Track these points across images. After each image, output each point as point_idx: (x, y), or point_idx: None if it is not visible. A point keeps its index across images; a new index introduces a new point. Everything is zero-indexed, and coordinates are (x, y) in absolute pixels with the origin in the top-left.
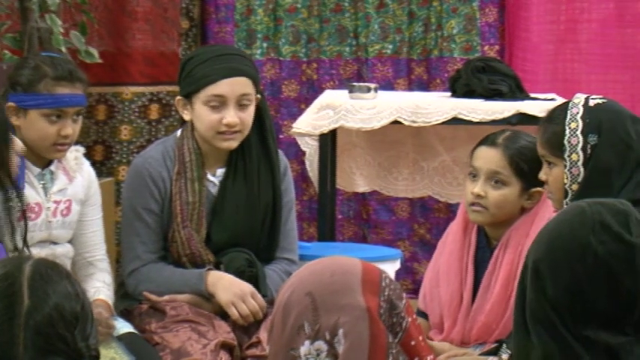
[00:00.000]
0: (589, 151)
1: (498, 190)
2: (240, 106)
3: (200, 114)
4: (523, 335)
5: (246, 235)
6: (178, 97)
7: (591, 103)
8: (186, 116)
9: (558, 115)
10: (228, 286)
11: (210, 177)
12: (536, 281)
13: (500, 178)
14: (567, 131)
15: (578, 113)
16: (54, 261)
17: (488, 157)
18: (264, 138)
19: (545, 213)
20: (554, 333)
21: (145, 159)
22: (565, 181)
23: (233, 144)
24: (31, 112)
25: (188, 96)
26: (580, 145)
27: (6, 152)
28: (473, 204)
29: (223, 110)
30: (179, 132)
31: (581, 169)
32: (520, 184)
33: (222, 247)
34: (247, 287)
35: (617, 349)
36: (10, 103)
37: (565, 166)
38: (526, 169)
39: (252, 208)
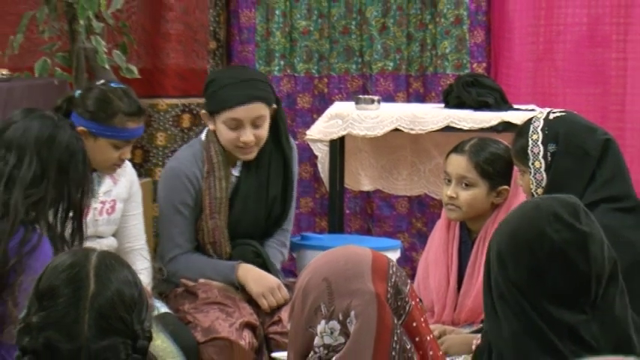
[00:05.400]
0: (549, 158)
1: (468, 191)
2: (255, 125)
3: (220, 130)
4: (493, 316)
5: (250, 224)
6: (203, 111)
7: (551, 116)
8: (211, 126)
9: (525, 129)
10: (258, 279)
11: (232, 171)
12: (500, 266)
13: (468, 181)
14: (530, 142)
15: (539, 126)
16: (116, 253)
17: (457, 163)
18: (278, 136)
19: None
20: (518, 310)
21: (180, 161)
22: (531, 186)
23: (251, 155)
24: (101, 140)
25: (211, 112)
26: (541, 153)
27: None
28: (448, 204)
29: (240, 130)
30: (203, 136)
31: (544, 175)
32: (487, 185)
33: (232, 234)
34: (274, 281)
35: (577, 326)
36: (82, 128)
37: (530, 173)
38: (491, 171)
39: (259, 199)
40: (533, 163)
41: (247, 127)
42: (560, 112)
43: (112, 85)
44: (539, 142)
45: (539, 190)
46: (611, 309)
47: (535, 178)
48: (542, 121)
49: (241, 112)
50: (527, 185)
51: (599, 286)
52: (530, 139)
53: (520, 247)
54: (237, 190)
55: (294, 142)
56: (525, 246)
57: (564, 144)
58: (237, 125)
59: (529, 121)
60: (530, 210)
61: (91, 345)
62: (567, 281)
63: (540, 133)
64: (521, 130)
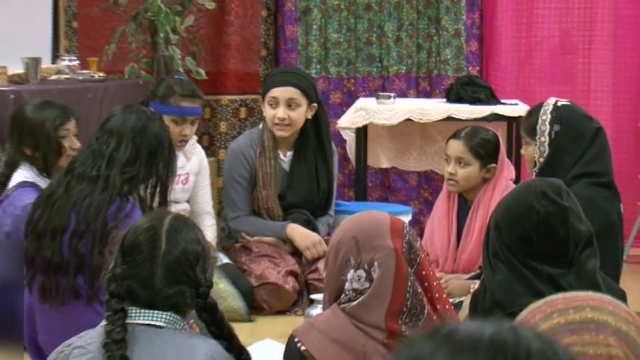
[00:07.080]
0: (553, 135)
1: (464, 169)
2: (289, 106)
3: (265, 110)
4: (488, 268)
5: (308, 197)
6: (261, 99)
7: (559, 103)
8: (263, 109)
9: (537, 110)
10: (304, 236)
11: (281, 157)
12: (495, 231)
13: (464, 161)
14: (539, 121)
15: (548, 109)
16: (185, 216)
17: (455, 147)
18: (320, 133)
19: (503, 181)
20: (509, 265)
21: (238, 143)
22: (535, 155)
23: (284, 134)
24: (163, 117)
25: (263, 97)
26: (547, 131)
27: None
28: (449, 179)
29: (277, 108)
30: (261, 125)
31: (547, 148)
32: (479, 163)
33: (293, 205)
34: (316, 237)
35: (556, 277)
36: (151, 109)
37: (536, 145)
38: (482, 153)
39: (312, 180)
40: (539, 138)
41: (282, 106)
42: (566, 101)
43: (176, 77)
44: (547, 122)
45: (541, 159)
46: (584, 266)
47: (539, 150)
48: (551, 106)
49: (277, 92)
50: (530, 155)
51: (575, 249)
52: (540, 119)
53: (512, 217)
54: (293, 172)
55: (335, 148)
56: (516, 216)
57: (565, 126)
58: (274, 103)
59: (540, 105)
60: (522, 188)
61: (162, 293)
62: (549, 245)
63: (549, 115)
64: (533, 111)
